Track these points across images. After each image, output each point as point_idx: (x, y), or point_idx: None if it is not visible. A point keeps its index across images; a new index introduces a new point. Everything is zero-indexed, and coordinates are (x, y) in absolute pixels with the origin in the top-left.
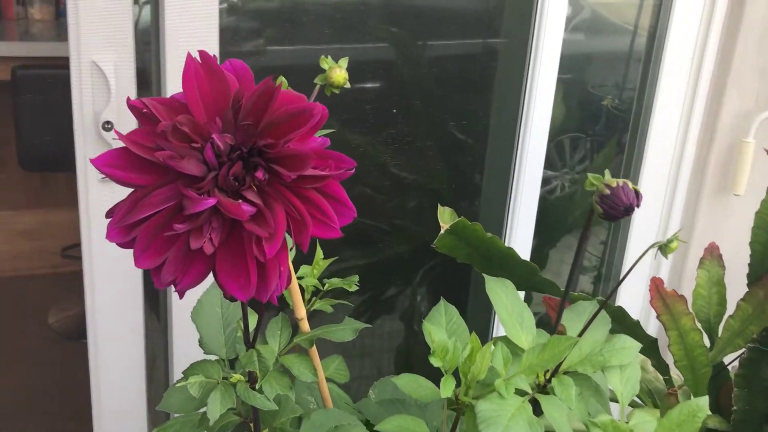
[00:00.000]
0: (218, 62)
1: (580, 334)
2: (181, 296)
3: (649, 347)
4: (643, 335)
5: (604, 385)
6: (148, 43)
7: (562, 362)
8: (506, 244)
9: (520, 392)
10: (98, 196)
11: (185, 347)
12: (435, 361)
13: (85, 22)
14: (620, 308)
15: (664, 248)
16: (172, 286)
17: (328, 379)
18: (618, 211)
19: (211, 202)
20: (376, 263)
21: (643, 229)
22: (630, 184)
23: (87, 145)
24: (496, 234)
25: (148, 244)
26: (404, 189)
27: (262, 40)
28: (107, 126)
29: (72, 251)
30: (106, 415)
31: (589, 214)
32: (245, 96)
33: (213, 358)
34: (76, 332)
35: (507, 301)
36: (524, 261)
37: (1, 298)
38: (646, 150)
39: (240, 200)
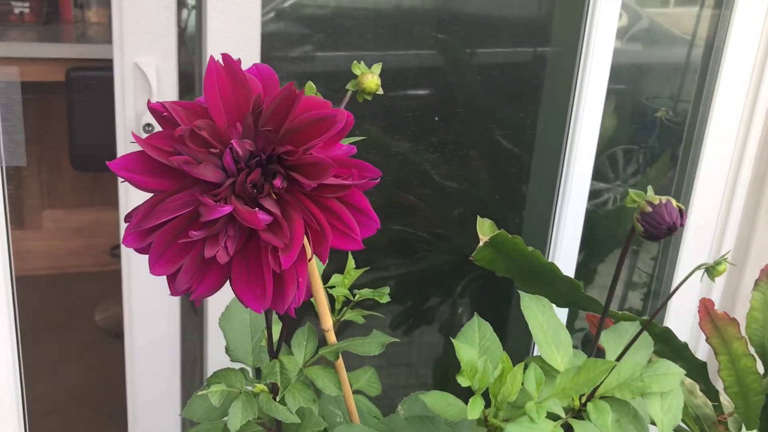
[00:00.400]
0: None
1: (619, 357)
2: (197, 304)
3: (698, 371)
4: (692, 358)
5: (645, 411)
6: (191, 47)
7: (598, 386)
8: (550, 258)
9: (552, 416)
10: (138, 197)
11: (221, 350)
12: (463, 381)
13: (128, 24)
14: (667, 329)
15: (711, 271)
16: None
17: (358, 392)
18: (660, 230)
19: (227, 209)
20: (418, 273)
21: (695, 246)
22: (674, 202)
23: (128, 147)
24: (539, 247)
25: (163, 250)
26: (448, 198)
27: (310, 46)
28: (148, 128)
29: (119, 250)
30: (141, 415)
31: (629, 231)
32: (266, 101)
33: (239, 366)
34: (122, 330)
35: (543, 320)
36: (566, 277)
37: (53, 294)
38: (700, 164)
39: (257, 208)
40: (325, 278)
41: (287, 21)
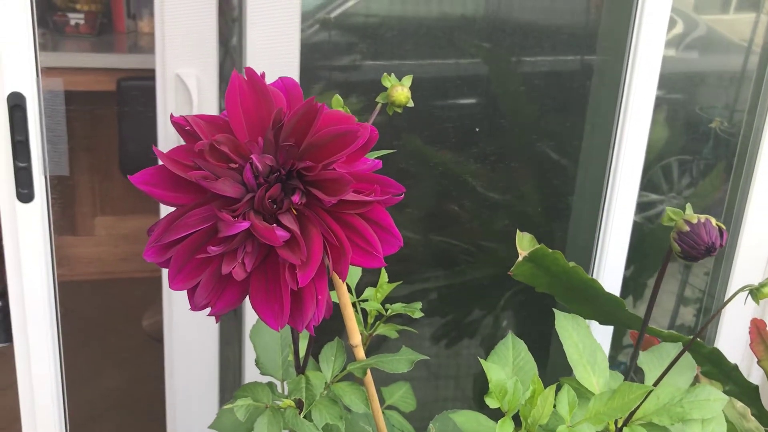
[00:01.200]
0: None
1: (658, 381)
2: (217, 320)
3: (750, 395)
4: (742, 381)
5: None
6: (235, 58)
7: (635, 411)
8: (595, 273)
9: None
10: None
11: None
12: (491, 402)
13: (170, 35)
14: (716, 350)
15: (755, 293)
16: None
17: (392, 407)
18: (698, 250)
19: (245, 225)
20: (459, 285)
21: (749, 262)
22: (713, 221)
23: None
24: (584, 261)
25: (182, 265)
26: (491, 209)
27: (354, 55)
28: None
29: None
30: (180, 421)
31: (667, 251)
32: (287, 116)
33: (268, 379)
34: None
35: (578, 340)
36: (609, 294)
37: (103, 299)
38: (754, 178)
39: (275, 225)
40: (360, 291)
41: (332, 30)
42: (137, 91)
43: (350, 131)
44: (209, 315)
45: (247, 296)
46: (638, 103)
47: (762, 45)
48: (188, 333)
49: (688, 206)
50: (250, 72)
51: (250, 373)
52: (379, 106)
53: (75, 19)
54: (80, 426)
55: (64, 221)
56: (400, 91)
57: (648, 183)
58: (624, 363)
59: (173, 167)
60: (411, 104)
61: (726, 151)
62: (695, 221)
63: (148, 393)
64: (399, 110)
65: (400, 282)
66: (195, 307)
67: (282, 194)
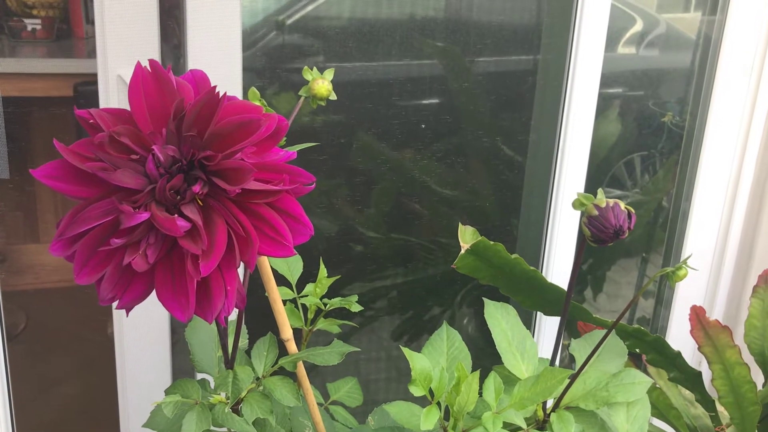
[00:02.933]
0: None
1: (584, 365)
2: (127, 314)
3: (693, 380)
4: (686, 367)
5: (613, 422)
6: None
7: (563, 396)
8: (545, 264)
9: (513, 427)
10: None
11: None
12: (415, 390)
13: (111, 36)
14: (659, 338)
15: (671, 276)
16: None
17: (337, 402)
18: (606, 234)
19: (144, 216)
20: (418, 282)
21: (698, 253)
22: (622, 205)
23: None
24: (534, 255)
25: (87, 259)
26: (446, 206)
27: (311, 58)
28: None
29: None
30: (133, 427)
31: (581, 238)
32: (189, 105)
33: (202, 377)
34: None
35: (507, 328)
36: (551, 284)
37: (68, 306)
38: (699, 170)
39: (176, 215)
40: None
41: (288, 34)
42: (93, 95)
43: (252, 120)
44: (117, 309)
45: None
46: (581, 98)
47: (702, 42)
48: (139, 338)
49: (600, 191)
50: (154, 63)
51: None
52: (301, 99)
53: (32, 24)
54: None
55: (27, 229)
56: (321, 84)
57: (612, 179)
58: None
59: (73, 159)
60: (334, 97)
61: (679, 145)
62: (604, 205)
63: (108, 399)
64: (322, 103)
65: (339, 276)
66: (102, 300)
67: (185, 185)
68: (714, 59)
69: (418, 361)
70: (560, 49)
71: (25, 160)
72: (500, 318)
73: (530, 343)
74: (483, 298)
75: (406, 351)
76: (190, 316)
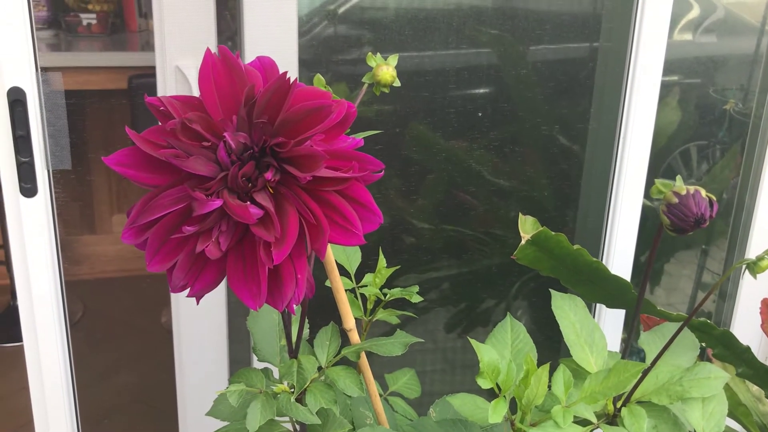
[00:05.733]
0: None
1: (657, 359)
2: (197, 302)
3: (763, 377)
4: (755, 363)
5: (687, 418)
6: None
7: (634, 390)
8: (605, 256)
9: (583, 422)
10: None
11: None
12: (483, 383)
13: (169, 28)
14: (727, 332)
15: (752, 267)
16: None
17: (396, 393)
18: (687, 222)
19: (217, 203)
20: (472, 273)
21: (764, 244)
22: (703, 192)
23: None
24: (594, 246)
25: (159, 246)
26: (501, 196)
27: (365, 48)
28: None
29: None
30: (190, 413)
31: (659, 225)
32: (260, 92)
33: (264, 365)
34: None
35: (575, 320)
36: (615, 276)
37: (123, 295)
38: (766, 158)
39: (248, 202)
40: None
41: (342, 24)
42: (148, 87)
43: (324, 106)
44: (188, 296)
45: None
46: (643, 86)
47: None
48: (197, 326)
49: (679, 178)
50: (224, 50)
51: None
52: (365, 86)
53: (87, 19)
54: (93, 422)
55: (83, 220)
56: (386, 71)
57: (668, 169)
58: (641, 351)
59: (145, 147)
60: (397, 84)
61: (741, 134)
62: (684, 193)
63: (164, 387)
64: (386, 90)
65: (398, 267)
66: (173, 288)
67: (256, 172)
68: None
69: (486, 353)
70: (621, 35)
71: (82, 151)
72: (568, 309)
73: (599, 336)
74: (550, 290)
75: (474, 342)
76: (261, 304)
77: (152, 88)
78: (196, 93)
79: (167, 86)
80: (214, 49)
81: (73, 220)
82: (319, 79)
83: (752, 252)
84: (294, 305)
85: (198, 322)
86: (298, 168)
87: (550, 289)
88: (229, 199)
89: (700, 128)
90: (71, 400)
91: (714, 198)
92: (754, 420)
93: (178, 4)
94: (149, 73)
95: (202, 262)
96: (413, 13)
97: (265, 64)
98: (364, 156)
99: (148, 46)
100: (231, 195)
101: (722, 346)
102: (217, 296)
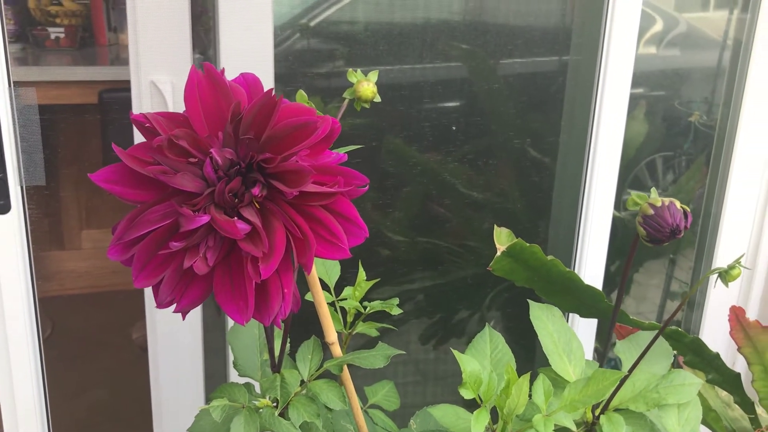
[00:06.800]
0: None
1: (633, 367)
2: (183, 317)
3: (732, 383)
4: (724, 369)
5: (663, 424)
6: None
7: (612, 398)
8: (576, 267)
9: (563, 430)
10: None
11: None
12: (465, 393)
13: (144, 43)
14: (697, 339)
15: (724, 275)
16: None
17: (375, 406)
18: (663, 233)
19: (205, 219)
20: (446, 285)
21: (730, 253)
22: (678, 203)
23: None
24: (566, 256)
25: (145, 262)
26: (474, 208)
27: (335, 61)
28: None
29: None
30: (167, 430)
31: (634, 236)
32: (246, 108)
33: (245, 380)
34: None
35: (553, 329)
36: (588, 286)
37: (93, 312)
38: (731, 169)
39: (236, 218)
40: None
41: (312, 38)
42: (119, 102)
43: (309, 122)
44: (174, 312)
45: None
46: (612, 99)
47: (735, 40)
48: (172, 343)
49: (653, 190)
50: (209, 67)
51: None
52: (346, 102)
53: (55, 33)
54: None
55: (52, 235)
56: (367, 86)
57: (634, 180)
58: (614, 359)
59: (132, 163)
60: (378, 99)
61: (705, 145)
62: (659, 204)
63: (137, 404)
64: (366, 105)
65: (378, 280)
66: (159, 304)
67: (243, 187)
68: (745, 58)
69: (469, 364)
70: (591, 49)
71: (52, 166)
72: (545, 319)
73: (577, 345)
74: (528, 300)
75: (456, 353)
76: (248, 319)
77: (124, 103)
78: (171, 108)
79: (142, 101)
80: (189, 64)
81: (42, 236)
82: (302, 95)
83: (719, 261)
84: (280, 319)
85: (173, 338)
86: (285, 183)
87: (528, 300)
88: (216, 214)
89: (666, 140)
90: (44, 418)
91: (688, 209)
92: (724, 425)
93: (153, 19)
94: (120, 87)
95: (189, 277)
96: (387, 28)
97: (249, 81)
98: (348, 171)
99: (119, 60)
100: (218, 210)
101: (693, 354)
102: (193, 312)
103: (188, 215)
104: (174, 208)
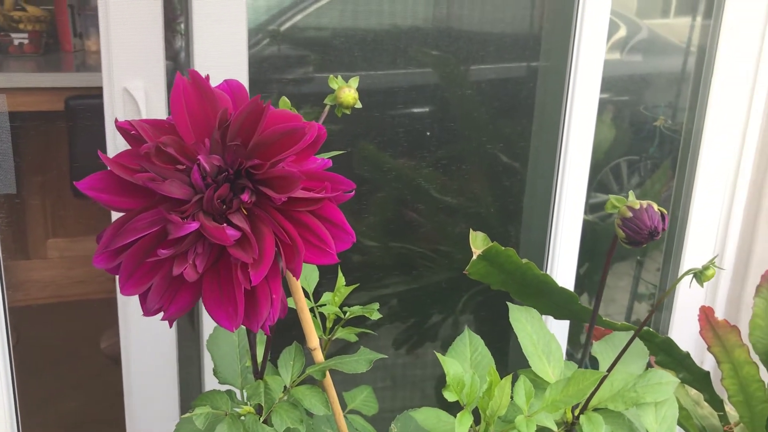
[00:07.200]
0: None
1: (611, 367)
2: (170, 325)
3: (702, 381)
4: (694, 368)
5: (641, 423)
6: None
7: (591, 398)
8: (548, 270)
9: (545, 430)
10: None
11: None
12: (450, 396)
13: (116, 49)
14: (668, 339)
15: (699, 276)
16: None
17: (354, 411)
18: (641, 235)
19: (194, 226)
20: (419, 290)
21: (697, 255)
22: (655, 206)
23: None
24: (537, 260)
25: (133, 270)
26: (447, 213)
27: (306, 67)
28: None
29: None
30: None
31: (613, 238)
32: (233, 115)
33: (226, 388)
34: None
35: (532, 331)
36: (562, 288)
37: (59, 322)
38: (697, 173)
39: (225, 224)
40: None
41: (283, 44)
42: (86, 109)
43: (297, 129)
44: (162, 319)
45: (201, 300)
46: (582, 104)
47: (698, 47)
48: (146, 352)
49: (631, 193)
50: (194, 74)
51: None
52: (327, 108)
53: (18, 39)
54: None
55: (16, 245)
56: (348, 93)
57: (599, 184)
58: (585, 360)
59: (119, 171)
60: (359, 105)
61: (672, 149)
62: (638, 207)
63: (110, 414)
64: (347, 111)
65: (357, 285)
66: (147, 312)
67: (231, 194)
68: (709, 64)
69: (452, 367)
70: (560, 55)
71: (18, 174)
72: (525, 321)
73: (555, 346)
74: (507, 303)
75: (440, 356)
76: (238, 325)
77: (91, 110)
78: (145, 115)
79: (115, 108)
80: (162, 70)
81: (5, 245)
82: (285, 102)
83: (687, 262)
84: (269, 325)
85: (147, 348)
86: (274, 189)
87: (507, 302)
88: (205, 221)
89: (631, 144)
90: (14, 427)
91: (665, 212)
92: (694, 423)
93: (126, 25)
94: (88, 94)
95: (177, 284)
96: (361, 35)
97: (233, 87)
98: (335, 176)
99: (84, 66)
100: (206, 217)
101: (664, 353)
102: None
103: (177, 222)
104: (161, 216)
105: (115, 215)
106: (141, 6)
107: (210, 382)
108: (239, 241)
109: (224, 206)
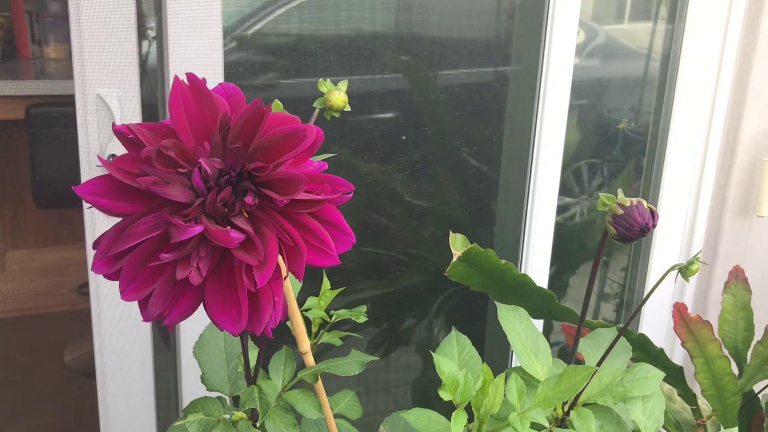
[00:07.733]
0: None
1: (599, 364)
2: (170, 330)
3: (675, 376)
4: (668, 363)
5: (627, 417)
6: (153, 78)
7: (580, 394)
8: (522, 271)
9: (537, 426)
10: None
11: (196, 381)
12: (445, 395)
13: (89, 56)
14: (643, 336)
15: (684, 270)
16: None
17: (339, 416)
18: (633, 231)
19: (198, 229)
20: (393, 293)
21: (664, 254)
22: (645, 203)
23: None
24: (511, 261)
25: (134, 275)
26: (419, 217)
27: (274, 73)
28: (113, 158)
29: (87, 289)
30: None
31: (603, 236)
32: (234, 118)
33: (215, 395)
34: (92, 370)
35: (521, 330)
36: (540, 288)
37: (21, 336)
38: (663, 174)
39: (228, 227)
40: (300, 303)
41: (251, 49)
42: (48, 117)
43: (299, 131)
44: (163, 324)
45: (202, 304)
46: (553, 108)
47: (661, 51)
48: (121, 361)
49: (620, 191)
50: (192, 77)
51: (189, 398)
52: (316, 111)
53: None
54: None
55: None
56: (338, 96)
57: (562, 187)
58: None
59: (120, 175)
60: (348, 108)
61: (635, 151)
62: (628, 204)
63: (81, 427)
64: (337, 114)
65: (343, 288)
66: (148, 317)
67: (233, 197)
68: (673, 68)
69: (446, 367)
70: (531, 60)
71: None
72: (513, 320)
73: (543, 344)
74: (495, 302)
75: (435, 357)
76: (242, 329)
77: (53, 118)
78: (119, 121)
79: (88, 115)
80: (136, 76)
81: None
82: (278, 105)
83: (654, 261)
84: (270, 329)
85: (122, 357)
86: (276, 191)
87: (495, 302)
88: (208, 224)
89: (597, 146)
90: None
91: (654, 209)
92: (668, 417)
93: (98, 31)
94: (50, 102)
95: (179, 289)
96: (336, 40)
97: (229, 91)
98: (334, 178)
99: (43, 74)
100: (209, 220)
101: (639, 350)
102: (142, 331)
103: (180, 226)
104: (162, 220)
105: (76, 226)
106: (113, 11)
107: (188, 391)
108: (243, 243)
109: (226, 209)
